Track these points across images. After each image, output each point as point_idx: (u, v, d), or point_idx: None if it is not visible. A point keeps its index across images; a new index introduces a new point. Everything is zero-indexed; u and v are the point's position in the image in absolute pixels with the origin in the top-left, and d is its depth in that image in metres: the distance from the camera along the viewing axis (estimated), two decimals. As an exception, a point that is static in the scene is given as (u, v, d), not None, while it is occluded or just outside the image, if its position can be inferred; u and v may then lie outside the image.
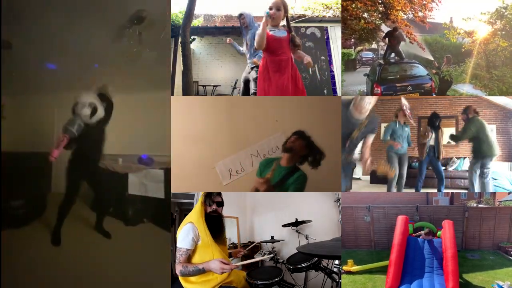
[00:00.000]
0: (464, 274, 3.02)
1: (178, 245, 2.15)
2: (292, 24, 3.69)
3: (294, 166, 2.51)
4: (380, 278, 2.94)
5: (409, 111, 3.42)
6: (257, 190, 2.42)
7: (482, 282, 2.88)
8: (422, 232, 3.11)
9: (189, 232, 2.14)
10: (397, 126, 3.54)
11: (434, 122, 3.53)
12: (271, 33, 2.74)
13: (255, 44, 2.75)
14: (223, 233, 2.32)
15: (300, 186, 2.51)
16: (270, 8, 2.70)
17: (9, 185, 2.86)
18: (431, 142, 3.59)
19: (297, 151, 2.48)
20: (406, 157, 3.60)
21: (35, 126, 3.06)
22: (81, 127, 2.88)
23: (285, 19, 2.80)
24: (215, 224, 2.23)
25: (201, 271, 2.09)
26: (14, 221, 2.93)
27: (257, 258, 2.46)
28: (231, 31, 3.90)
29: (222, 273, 2.05)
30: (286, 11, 2.77)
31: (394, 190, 3.50)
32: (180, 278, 2.18)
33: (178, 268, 2.12)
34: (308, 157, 2.50)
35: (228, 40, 3.57)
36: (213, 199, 2.29)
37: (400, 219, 3.02)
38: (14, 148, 2.92)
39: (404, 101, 3.37)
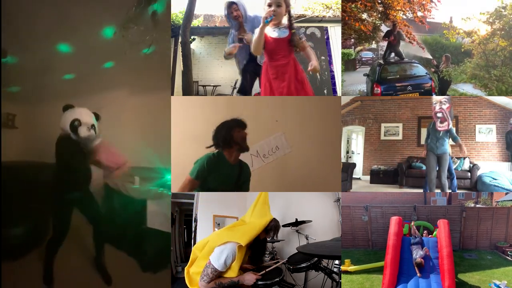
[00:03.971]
0: (462, 273, 3.04)
1: (212, 261, 1.91)
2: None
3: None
4: (377, 278, 2.95)
5: (446, 107, 3.14)
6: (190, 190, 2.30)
7: (479, 282, 2.90)
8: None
9: (230, 255, 1.90)
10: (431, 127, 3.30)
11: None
12: (270, 34, 2.47)
13: (251, 48, 2.52)
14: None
15: (249, 181, 2.44)
16: (269, 5, 2.41)
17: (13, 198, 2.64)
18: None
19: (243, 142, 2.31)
20: (447, 156, 3.28)
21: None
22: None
23: (287, 15, 2.48)
24: (260, 249, 2.11)
25: (235, 284, 1.94)
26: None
27: (274, 265, 2.27)
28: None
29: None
30: (287, 5, 2.46)
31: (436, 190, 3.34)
32: (187, 282, 2.08)
33: (208, 286, 1.91)
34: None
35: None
36: (276, 230, 2.14)
37: (393, 220, 3.00)
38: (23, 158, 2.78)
39: (436, 97, 3.19)
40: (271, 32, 2.50)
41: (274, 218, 2.12)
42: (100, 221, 2.75)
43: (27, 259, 2.67)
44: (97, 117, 2.75)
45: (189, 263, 2.12)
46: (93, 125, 2.67)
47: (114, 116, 2.87)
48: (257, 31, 2.46)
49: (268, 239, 2.21)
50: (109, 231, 2.75)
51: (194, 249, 2.12)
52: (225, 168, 2.32)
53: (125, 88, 2.96)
